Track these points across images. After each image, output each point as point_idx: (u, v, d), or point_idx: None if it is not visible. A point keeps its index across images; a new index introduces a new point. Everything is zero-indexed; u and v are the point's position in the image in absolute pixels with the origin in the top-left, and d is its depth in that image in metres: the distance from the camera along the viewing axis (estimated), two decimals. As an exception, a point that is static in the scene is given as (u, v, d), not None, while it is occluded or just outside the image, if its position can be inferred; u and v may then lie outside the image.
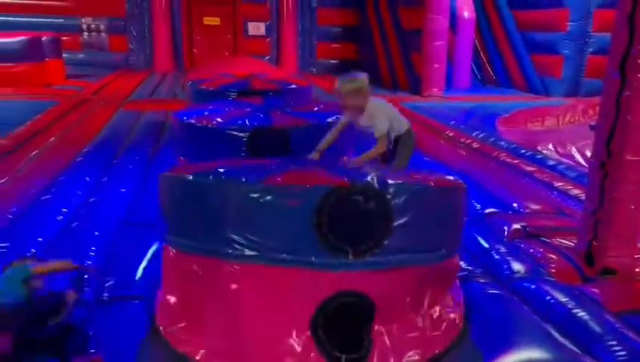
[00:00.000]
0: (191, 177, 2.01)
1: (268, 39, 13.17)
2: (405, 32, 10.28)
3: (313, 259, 1.84)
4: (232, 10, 13.06)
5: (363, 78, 3.39)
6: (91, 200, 3.82)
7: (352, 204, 1.88)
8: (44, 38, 9.25)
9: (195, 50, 13.23)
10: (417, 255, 1.98)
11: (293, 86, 5.92)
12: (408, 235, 1.93)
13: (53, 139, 5.69)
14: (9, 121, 6.02)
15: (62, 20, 11.78)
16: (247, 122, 4.01)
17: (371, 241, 1.90)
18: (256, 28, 13.15)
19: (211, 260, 1.92)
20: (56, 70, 9.68)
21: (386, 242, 1.89)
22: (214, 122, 4.19)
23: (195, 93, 6.00)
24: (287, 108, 4.49)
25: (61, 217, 3.52)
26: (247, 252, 1.86)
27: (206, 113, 4.46)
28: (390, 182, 1.92)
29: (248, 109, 4.43)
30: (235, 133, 3.94)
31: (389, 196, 1.88)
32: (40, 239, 3.15)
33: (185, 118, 4.42)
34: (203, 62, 12.35)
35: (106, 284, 2.69)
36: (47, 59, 9.23)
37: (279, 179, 1.93)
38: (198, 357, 1.93)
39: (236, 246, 1.86)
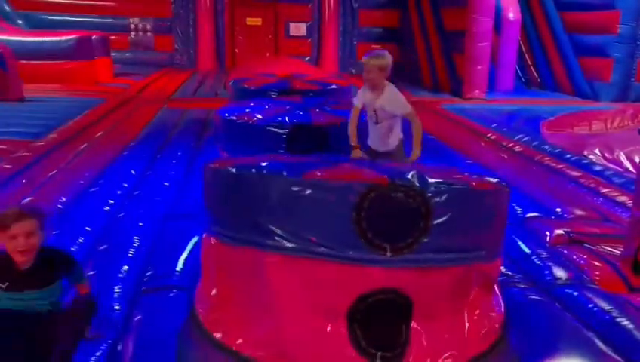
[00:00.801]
0: (234, 169, 2.04)
1: (309, 40, 13.25)
2: (448, 33, 10.16)
3: (351, 253, 1.84)
4: (274, 11, 13.20)
5: (388, 56, 3.54)
6: (136, 192, 3.94)
7: (391, 200, 1.87)
8: (93, 37, 9.59)
9: (236, 50, 13.44)
10: (456, 254, 1.95)
11: (333, 86, 5.94)
12: (447, 234, 1.91)
13: (100, 133, 5.89)
14: (60, 116, 6.28)
15: (111, 20, 12.18)
16: (286, 119, 4.05)
17: (410, 239, 1.88)
18: (298, 28, 13.25)
19: (251, 251, 1.95)
20: (105, 68, 10.02)
21: (425, 240, 1.87)
22: (255, 119, 4.25)
23: (237, 91, 6.10)
24: (325, 106, 4.52)
25: (107, 208, 3.65)
26: (287, 244, 1.88)
27: (247, 110, 4.53)
28: (431, 180, 1.90)
29: (288, 107, 4.48)
30: (275, 129, 4.00)
31: (429, 194, 1.86)
32: (87, 228, 3.28)
33: (227, 114, 4.50)
34: (244, 62, 12.53)
35: (147, 274, 2.77)
36: (96, 58, 9.57)
37: (319, 174, 1.94)
38: (235, 346, 1.97)
39: (276, 237, 1.88)
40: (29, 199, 3.61)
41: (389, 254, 1.86)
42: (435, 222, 1.88)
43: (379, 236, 1.86)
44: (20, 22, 11.23)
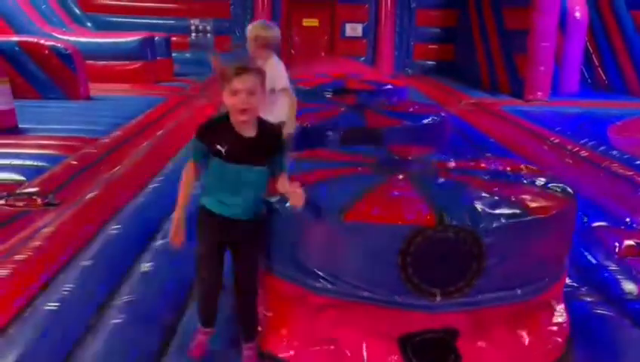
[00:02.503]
0: (274, 201, 2.00)
1: (364, 40, 13.16)
2: (509, 32, 9.82)
3: (397, 299, 1.76)
4: (332, 12, 13.20)
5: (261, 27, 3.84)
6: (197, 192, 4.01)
7: (440, 243, 1.76)
8: (156, 38, 9.91)
9: (292, 51, 13.53)
10: (514, 291, 1.82)
11: (389, 86, 5.85)
12: (504, 273, 1.79)
13: (162, 131, 6.07)
14: (124, 114, 6.52)
15: (173, 22, 12.55)
16: (340, 121, 4.01)
17: (461, 282, 1.78)
18: (354, 29, 13.19)
19: (297, 288, 1.93)
20: (166, 68, 10.34)
21: (479, 282, 1.76)
22: (308, 121, 4.24)
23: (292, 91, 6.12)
24: (381, 108, 4.45)
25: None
26: (330, 286, 1.83)
27: (301, 112, 4.52)
28: (484, 214, 1.77)
29: (342, 109, 4.44)
30: (329, 132, 3.96)
31: (481, 234, 1.73)
32: (149, 222, 3.37)
33: (282, 115, 4.51)
34: (299, 63, 12.60)
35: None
36: (158, 58, 9.88)
37: (364, 209, 1.85)
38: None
39: (320, 279, 1.84)
40: (94, 193, 3.75)
41: (438, 299, 1.76)
42: (490, 262, 1.76)
43: (427, 281, 1.77)
44: (89, 24, 11.77)
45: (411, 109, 4.35)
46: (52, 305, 2.37)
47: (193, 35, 13.03)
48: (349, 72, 7.32)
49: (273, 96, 3.61)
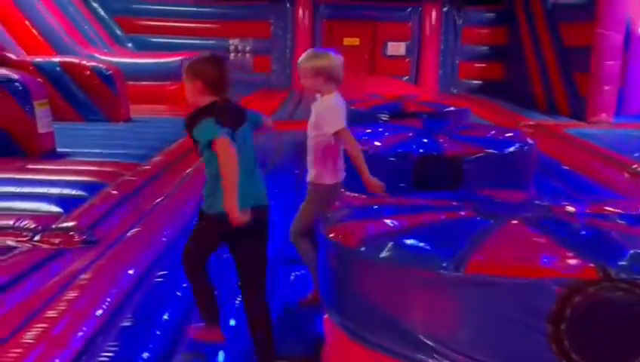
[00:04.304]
0: (363, 249, 1.56)
1: (407, 59, 12.75)
2: (567, 49, 9.23)
3: None
4: (373, 30, 12.86)
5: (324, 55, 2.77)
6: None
7: (607, 305, 1.31)
8: (196, 59, 9.71)
9: (332, 71, 13.23)
10: None
11: (451, 108, 5.36)
12: None
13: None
14: (164, 137, 6.22)
15: (213, 42, 12.41)
16: (412, 148, 3.54)
17: (636, 357, 1.30)
18: (396, 48, 12.81)
19: (389, 360, 1.46)
20: (206, 89, 10.11)
21: None
22: (373, 147, 3.78)
23: (344, 114, 5.70)
24: (454, 132, 3.95)
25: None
26: (443, 361, 1.36)
27: (362, 137, 4.07)
28: None
29: (410, 134, 3.97)
30: (399, 160, 3.49)
31: None
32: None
33: (340, 141, 4.07)
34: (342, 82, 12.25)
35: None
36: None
37: (489, 258, 1.40)
38: None
39: (425, 350, 1.37)
40: (136, 230, 3.37)
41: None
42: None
43: (590, 357, 1.29)
44: (130, 45, 11.72)
45: (490, 134, 3.84)
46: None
47: (232, 55, 12.87)
48: (398, 92, 6.88)
49: (319, 141, 2.73)
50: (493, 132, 3.91)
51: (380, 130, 4.21)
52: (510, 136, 3.78)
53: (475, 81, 12.67)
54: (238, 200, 1.95)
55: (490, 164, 3.33)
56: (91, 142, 5.77)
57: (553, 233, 1.67)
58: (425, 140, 3.73)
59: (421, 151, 3.49)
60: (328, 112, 2.70)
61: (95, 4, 11.65)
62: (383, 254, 1.47)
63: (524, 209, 2.08)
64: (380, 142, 3.84)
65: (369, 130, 4.17)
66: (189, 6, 12.41)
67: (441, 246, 1.46)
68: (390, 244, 1.50)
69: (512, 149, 3.43)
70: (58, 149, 5.38)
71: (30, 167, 4.63)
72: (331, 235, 1.84)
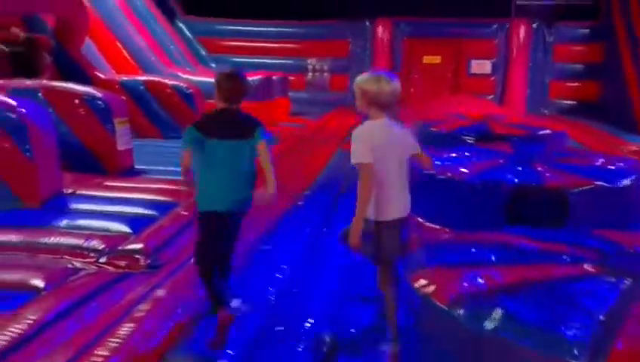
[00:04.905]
0: (462, 313, 1.21)
1: (492, 77, 12.12)
2: (678, 67, 8.30)
3: None
4: (457, 48, 12.36)
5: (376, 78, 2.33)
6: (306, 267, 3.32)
7: None
8: (274, 78, 9.71)
9: (411, 90, 12.83)
10: None
11: (547, 131, 4.83)
12: None
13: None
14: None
15: (291, 61, 12.46)
16: (506, 177, 3.13)
17: None
18: (481, 66, 12.23)
19: None
20: (282, 108, 10.09)
21: None
22: (460, 174, 3.40)
23: (424, 135, 5.33)
24: (552, 160, 3.49)
25: (279, 275, 3.09)
26: None
27: (446, 162, 3.70)
28: None
29: (501, 160, 3.55)
30: (490, 190, 3.09)
31: None
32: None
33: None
34: (419, 101, 11.84)
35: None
36: (275, 98, 9.65)
37: (631, 350, 1.02)
38: None
39: None
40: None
41: None
42: None
43: None
44: (213, 65, 12.01)
45: (599, 163, 3.34)
46: None
47: (310, 74, 12.85)
48: (485, 112, 6.41)
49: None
50: (601, 160, 3.39)
51: (467, 154, 3.82)
52: (621, 166, 3.26)
53: (567, 101, 11.82)
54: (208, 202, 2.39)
55: (601, 198, 2.85)
56: (168, 160, 5.76)
57: None
58: (519, 168, 3.30)
59: (516, 180, 3.07)
60: (354, 141, 2.31)
61: (181, 25, 12.09)
62: (489, 324, 1.13)
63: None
64: (466, 168, 3.45)
65: (454, 154, 3.79)
66: (269, 26, 12.57)
67: (568, 322, 1.10)
68: (498, 312, 1.15)
69: (626, 182, 2.93)
70: (136, 166, 5.42)
71: (107, 184, 4.65)
72: (417, 284, 1.51)
